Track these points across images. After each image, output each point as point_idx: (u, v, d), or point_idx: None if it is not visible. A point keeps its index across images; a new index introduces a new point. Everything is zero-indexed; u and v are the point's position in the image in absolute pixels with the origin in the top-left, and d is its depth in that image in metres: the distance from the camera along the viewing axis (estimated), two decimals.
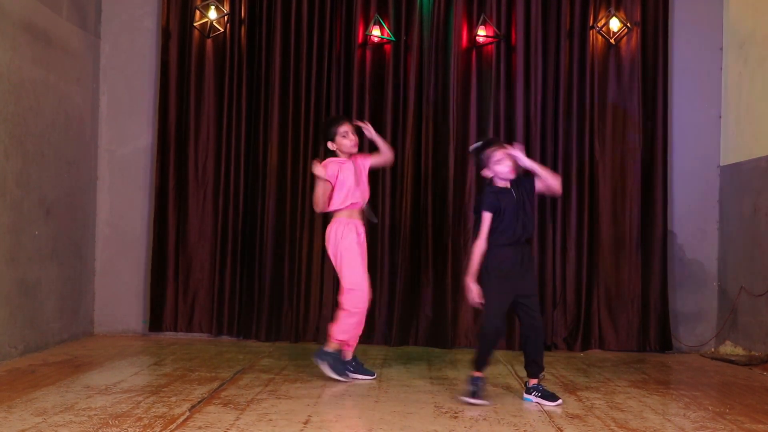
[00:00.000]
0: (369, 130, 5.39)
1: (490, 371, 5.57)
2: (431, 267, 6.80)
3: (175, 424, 3.89)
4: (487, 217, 4.65)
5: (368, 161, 5.43)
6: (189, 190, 6.96)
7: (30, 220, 5.82)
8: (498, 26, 6.87)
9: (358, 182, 5.26)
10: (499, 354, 6.42)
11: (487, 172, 4.72)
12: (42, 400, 4.33)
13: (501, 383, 5.19)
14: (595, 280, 6.80)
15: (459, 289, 6.44)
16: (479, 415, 4.27)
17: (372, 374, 5.26)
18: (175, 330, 6.93)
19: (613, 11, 6.85)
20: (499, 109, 6.85)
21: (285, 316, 6.81)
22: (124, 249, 7.02)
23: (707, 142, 6.98)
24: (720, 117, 6.96)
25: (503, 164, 4.65)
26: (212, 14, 6.95)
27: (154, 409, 4.18)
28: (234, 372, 5.34)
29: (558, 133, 6.87)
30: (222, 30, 6.97)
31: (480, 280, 4.64)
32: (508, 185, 4.69)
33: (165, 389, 4.70)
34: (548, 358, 6.25)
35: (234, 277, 6.89)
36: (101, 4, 7.07)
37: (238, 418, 4.05)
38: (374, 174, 6.80)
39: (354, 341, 5.27)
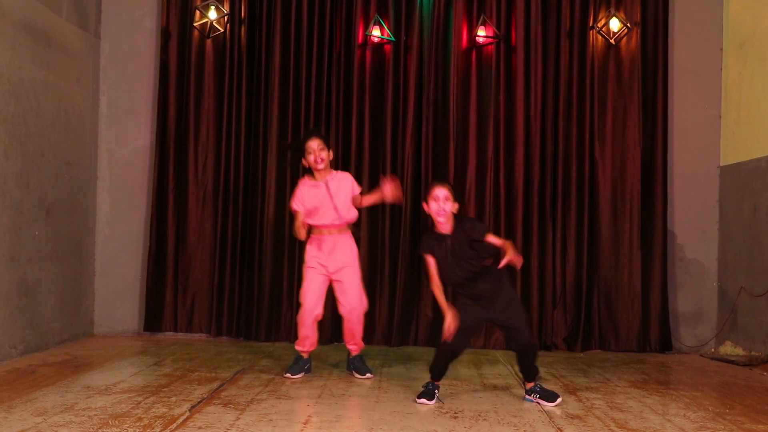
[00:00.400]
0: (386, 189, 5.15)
1: (489, 371, 5.58)
2: None
3: (175, 425, 3.88)
4: (428, 259, 4.61)
5: (349, 186, 5.29)
6: (189, 190, 6.96)
7: (30, 220, 5.82)
8: (498, 26, 6.87)
9: (326, 205, 5.21)
10: (498, 354, 6.43)
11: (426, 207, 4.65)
12: (42, 401, 4.33)
13: (501, 383, 5.19)
14: (595, 280, 6.80)
15: None
16: (479, 415, 4.27)
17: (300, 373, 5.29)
18: (175, 330, 6.93)
19: (613, 11, 6.85)
20: (499, 110, 6.85)
21: (284, 316, 6.81)
22: (123, 249, 7.02)
23: (707, 142, 6.98)
24: (720, 117, 6.96)
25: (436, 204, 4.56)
26: (212, 14, 6.95)
27: (154, 410, 4.17)
28: (234, 372, 5.34)
29: (558, 133, 6.87)
30: (222, 30, 6.97)
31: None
32: (447, 230, 4.59)
33: (165, 389, 4.70)
34: (548, 358, 6.29)
35: (234, 277, 6.89)
36: (101, 5, 7.07)
37: (238, 419, 4.05)
38: (375, 174, 6.83)
39: (306, 345, 5.32)
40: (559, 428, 4.03)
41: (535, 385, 4.67)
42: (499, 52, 6.88)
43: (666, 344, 6.75)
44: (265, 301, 6.82)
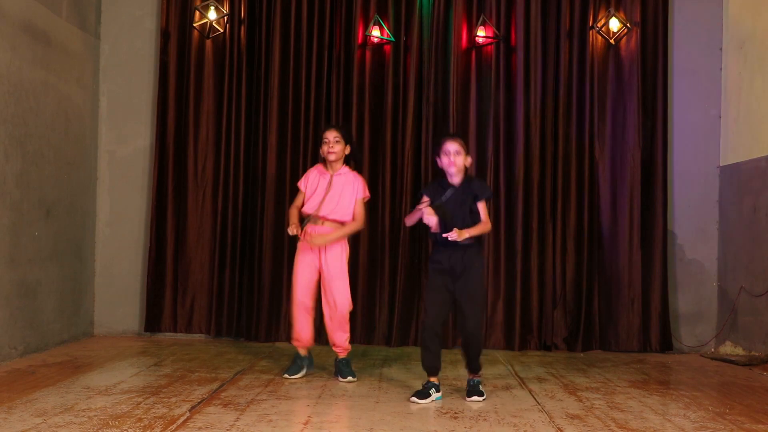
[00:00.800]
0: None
1: (489, 371, 5.58)
2: None
3: (175, 425, 3.88)
4: (425, 198, 4.76)
5: (356, 188, 5.32)
6: (188, 190, 6.96)
7: (30, 220, 5.82)
8: (497, 27, 6.87)
9: (324, 195, 5.25)
10: (498, 354, 6.43)
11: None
12: (42, 401, 4.33)
13: (501, 383, 5.19)
14: (595, 280, 6.80)
15: None
16: (479, 415, 4.27)
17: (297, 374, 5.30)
18: (175, 331, 6.93)
19: (612, 11, 6.85)
20: (499, 110, 6.85)
21: (284, 317, 6.80)
22: (123, 249, 7.02)
23: (707, 142, 6.98)
24: (720, 117, 6.96)
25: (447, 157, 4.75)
26: (212, 15, 6.95)
27: (154, 410, 4.17)
28: (234, 373, 5.34)
29: (558, 133, 6.87)
30: (221, 30, 6.97)
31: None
32: (455, 183, 4.77)
33: (165, 390, 4.70)
34: (548, 358, 6.29)
35: (233, 278, 6.89)
36: (101, 5, 7.07)
37: (238, 419, 4.05)
38: (374, 174, 6.83)
39: (302, 340, 5.34)
40: (559, 428, 4.03)
41: (472, 379, 4.71)
42: (499, 52, 6.88)
43: (666, 344, 6.75)
44: (264, 302, 6.82)
